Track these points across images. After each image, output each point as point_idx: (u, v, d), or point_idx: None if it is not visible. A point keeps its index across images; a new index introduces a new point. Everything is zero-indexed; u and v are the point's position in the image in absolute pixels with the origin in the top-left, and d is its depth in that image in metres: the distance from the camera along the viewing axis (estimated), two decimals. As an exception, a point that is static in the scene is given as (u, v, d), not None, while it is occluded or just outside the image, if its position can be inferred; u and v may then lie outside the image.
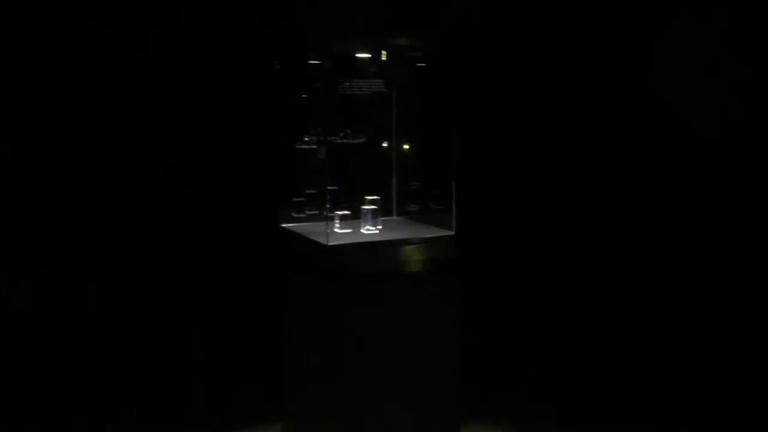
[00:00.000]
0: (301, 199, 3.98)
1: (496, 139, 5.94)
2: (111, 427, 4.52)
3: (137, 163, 5.47)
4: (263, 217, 4.27)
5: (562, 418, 4.68)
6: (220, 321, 5.58)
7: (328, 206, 3.64)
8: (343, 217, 3.79)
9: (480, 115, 5.64)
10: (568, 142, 5.84)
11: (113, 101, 5.39)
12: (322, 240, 3.58)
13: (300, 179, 3.94)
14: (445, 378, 3.77)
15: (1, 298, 5.19)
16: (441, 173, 3.82)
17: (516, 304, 6.01)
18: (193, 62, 5.46)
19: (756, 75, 4.90)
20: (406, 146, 4.04)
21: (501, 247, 6.02)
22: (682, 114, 5.20)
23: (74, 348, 5.27)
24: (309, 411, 3.82)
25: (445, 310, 3.75)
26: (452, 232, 3.78)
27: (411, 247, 3.71)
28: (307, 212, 3.98)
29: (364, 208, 3.81)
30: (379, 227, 3.81)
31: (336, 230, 3.75)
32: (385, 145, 4.03)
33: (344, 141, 3.80)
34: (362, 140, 3.87)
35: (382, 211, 3.89)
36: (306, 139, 3.83)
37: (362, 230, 3.78)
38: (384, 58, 3.91)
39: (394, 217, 4.15)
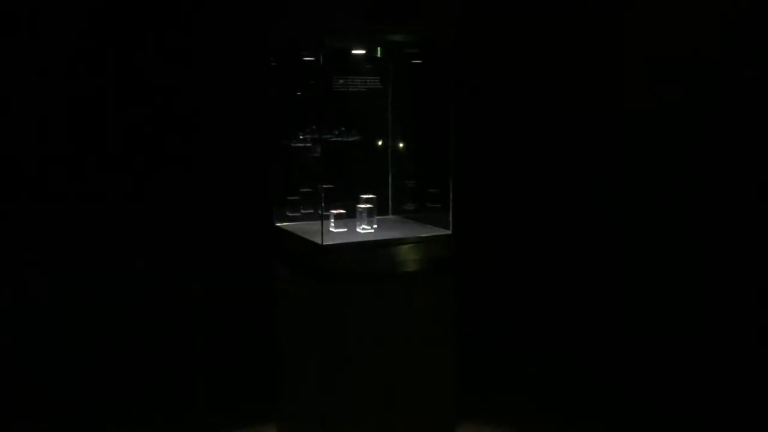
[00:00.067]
0: (296, 197, 3.96)
1: (493, 136, 5.91)
2: (109, 427, 4.50)
3: (130, 161, 5.44)
4: (258, 216, 4.24)
5: (560, 418, 4.66)
6: (215, 321, 5.57)
7: (323, 205, 3.60)
8: (338, 216, 3.75)
9: (477, 111, 5.60)
10: (567, 140, 5.82)
11: (107, 98, 5.37)
12: (317, 239, 3.55)
13: (295, 178, 3.91)
14: (441, 378, 3.75)
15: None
16: (437, 171, 3.79)
17: (514, 303, 5.99)
18: (186, 59, 5.44)
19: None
20: (401, 144, 4.01)
21: (499, 246, 6.00)
22: (682, 112, 5.18)
23: (73, 348, 5.27)
24: (304, 411, 3.79)
25: (442, 310, 3.73)
26: (449, 231, 3.76)
27: (407, 246, 3.67)
28: (302, 211, 3.96)
29: (360, 207, 3.78)
30: (375, 226, 3.78)
31: (331, 229, 3.72)
32: (380, 143, 4.00)
33: (339, 139, 3.77)
34: (357, 138, 3.84)
35: (378, 210, 3.86)
36: (301, 137, 3.80)
37: (358, 229, 3.75)
38: (379, 54, 3.88)
39: (390, 216, 4.13)
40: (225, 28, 5.48)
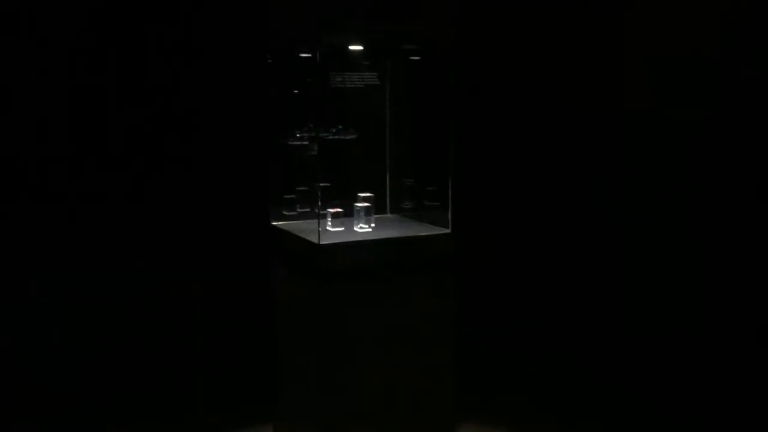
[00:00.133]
0: (293, 196, 3.94)
1: (492, 135, 5.90)
2: (109, 427, 4.50)
3: (127, 161, 5.44)
4: (257, 215, 4.23)
5: (560, 418, 4.64)
6: (214, 321, 5.56)
7: (320, 204, 3.59)
8: (335, 215, 3.72)
9: (476, 110, 5.60)
10: (566, 140, 5.81)
11: (107, 98, 5.38)
12: (314, 239, 3.53)
13: (291, 176, 3.89)
14: (441, 377, 3.73)
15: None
16: (436, 169, 3.76)
17: (513, 303, 5.98)
18: (186, 58, 5.44)
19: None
20: (400, 142, 3.99)
21: (498, 245, 5.99)
22: (682, 112, 5.17)
23: (73, 348, 5.27)
24: (303, 411, 3.78)
25: (441, 310, 3.71)
26: (448, 230, 3.74)
27: (406, 245, 3.65)
28: (299, 210, 3.94)
29: (357, 206, 3.76)
30: (373, 225, 3.75)
31: (328, 228, 3.70)
32: (377, 142, 3.99)
33: (336, 137, 3.75)
34: (354, 136, 3.82)
35: (376, 209, 3.84)
36: (298, 135, 3.78)
37: (355, 228, 3.73)
38: (378, 53, 3.87)
39: (388, 215, 4.11)
40: (225, 28, 5.48)
